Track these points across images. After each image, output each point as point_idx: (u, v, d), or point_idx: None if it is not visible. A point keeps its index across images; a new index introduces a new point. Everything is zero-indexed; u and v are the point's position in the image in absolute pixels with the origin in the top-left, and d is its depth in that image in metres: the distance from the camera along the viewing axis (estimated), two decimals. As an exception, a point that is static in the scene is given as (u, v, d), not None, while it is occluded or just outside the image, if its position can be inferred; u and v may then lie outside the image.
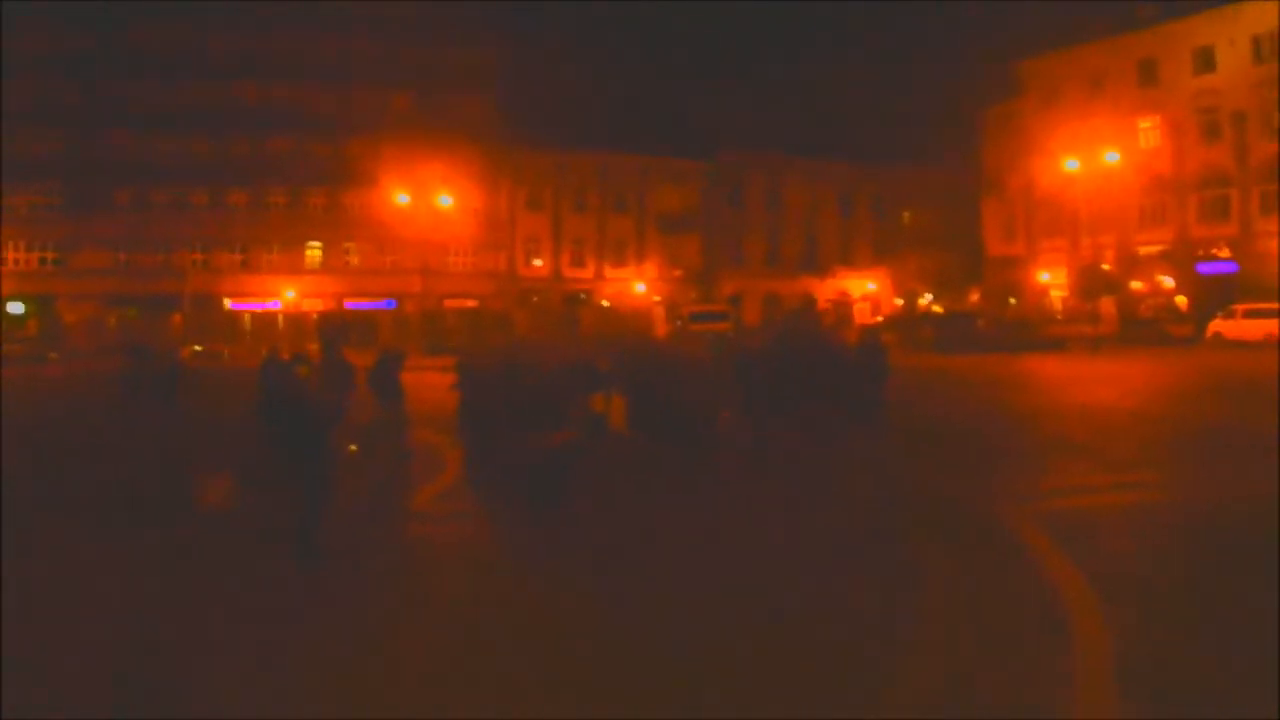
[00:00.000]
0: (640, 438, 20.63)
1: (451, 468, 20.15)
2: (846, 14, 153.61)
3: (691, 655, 9.45)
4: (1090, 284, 70.91)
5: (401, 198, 78.95)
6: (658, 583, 11.84)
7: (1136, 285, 76.17)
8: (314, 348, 31.35)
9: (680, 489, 17.30)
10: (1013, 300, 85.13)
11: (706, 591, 11.51)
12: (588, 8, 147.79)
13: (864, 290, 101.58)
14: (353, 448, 19.17)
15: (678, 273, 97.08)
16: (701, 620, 10.48)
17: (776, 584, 11.68)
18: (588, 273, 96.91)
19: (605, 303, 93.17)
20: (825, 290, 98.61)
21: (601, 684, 8.93)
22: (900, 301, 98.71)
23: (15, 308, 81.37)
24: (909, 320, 80.00)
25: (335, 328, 66.55)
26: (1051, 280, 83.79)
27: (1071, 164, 72.44)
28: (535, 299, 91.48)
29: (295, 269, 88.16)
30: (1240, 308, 60.25)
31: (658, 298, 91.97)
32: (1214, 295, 66.69)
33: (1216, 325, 60.47)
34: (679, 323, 74.56)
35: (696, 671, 9.07)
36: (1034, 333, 64.21)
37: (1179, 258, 75.10)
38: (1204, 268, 73.33)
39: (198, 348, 69.29)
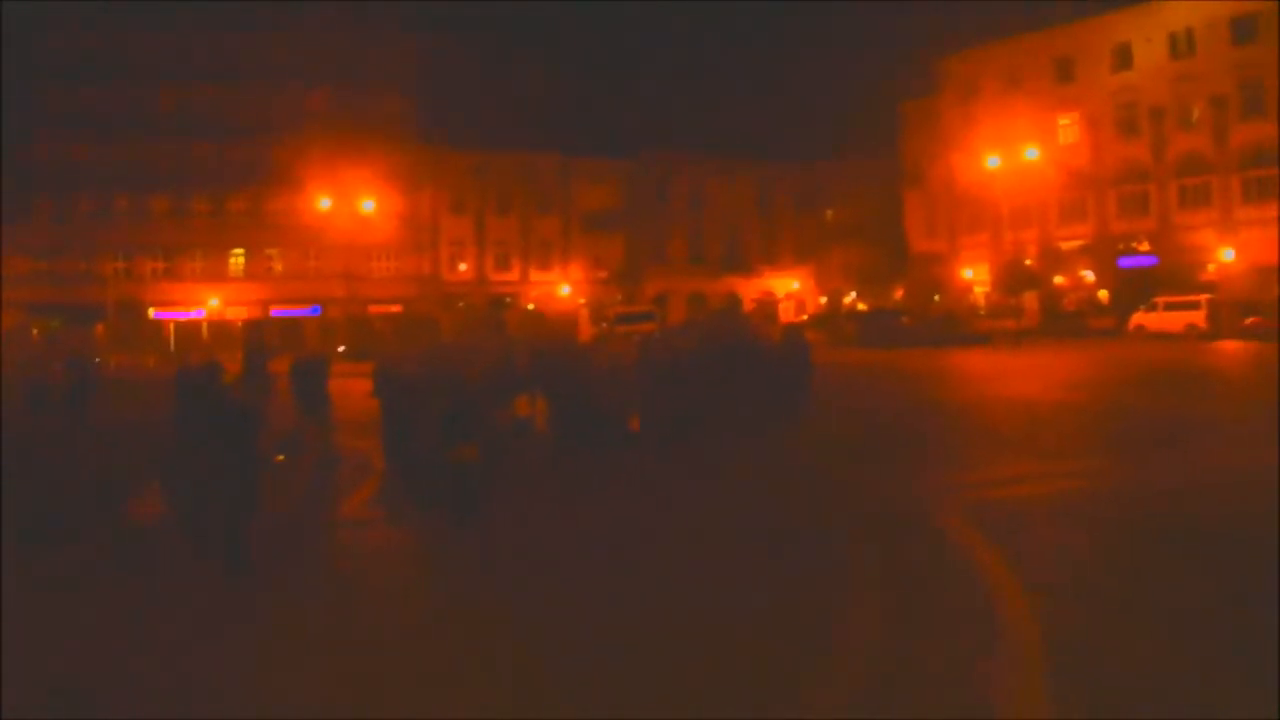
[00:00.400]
0: (562, 440, 20.45)
1: (378, 474, 19.95)
2: (767, 11, 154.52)
3: (611, 655, 9.35)
4: (1013, 279, 71.72)
5: (324, 202, 78.49)
6: (576, 584, 11.71)
7: (1059, 280, 76.99)
8: (239, 356, 31.12)
9: (600, 491, 17.07)
10: (937, 296, 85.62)
11: (625, 591, 11.39)
12: (507, 7, 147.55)
13: (789, 289, 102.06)
14: (280, 457, 18.97)
15: (603, 274, 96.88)
16: (620, 620, 10.36)
17: (697, 583, 11.51)
18: (513, 275, 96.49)
19: (530, 306, 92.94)
20: (750, 289, 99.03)
21: (523, 684, 8.82)
22: (825, 299, 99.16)
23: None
24: (834, 317, 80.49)
25: (257, 335, 66.03)
26: (974, 276, 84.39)
27: (992, 160, 73.18)
28: (460, 303, 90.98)
29: (219, 276, 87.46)
30: (1161, 300, 61.09)
31: (583, 300, 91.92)
32: (1135, 289, 67.44)
33: (1139, 318, 61.30)
34: (605, 325, 74.42)
35: (616, 671, 8.95)
36: (958, 328, 64.70)
37: (1100, 252, 75.93)
38: (1124, 261, 74.14)
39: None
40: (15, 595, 12.13)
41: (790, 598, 10.86)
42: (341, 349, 60.00)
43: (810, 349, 26.63)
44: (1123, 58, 75.13)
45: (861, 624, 9.98)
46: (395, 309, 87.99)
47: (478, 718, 8.23)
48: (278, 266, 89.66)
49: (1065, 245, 78.06)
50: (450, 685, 8.87)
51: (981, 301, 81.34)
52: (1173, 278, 66.72)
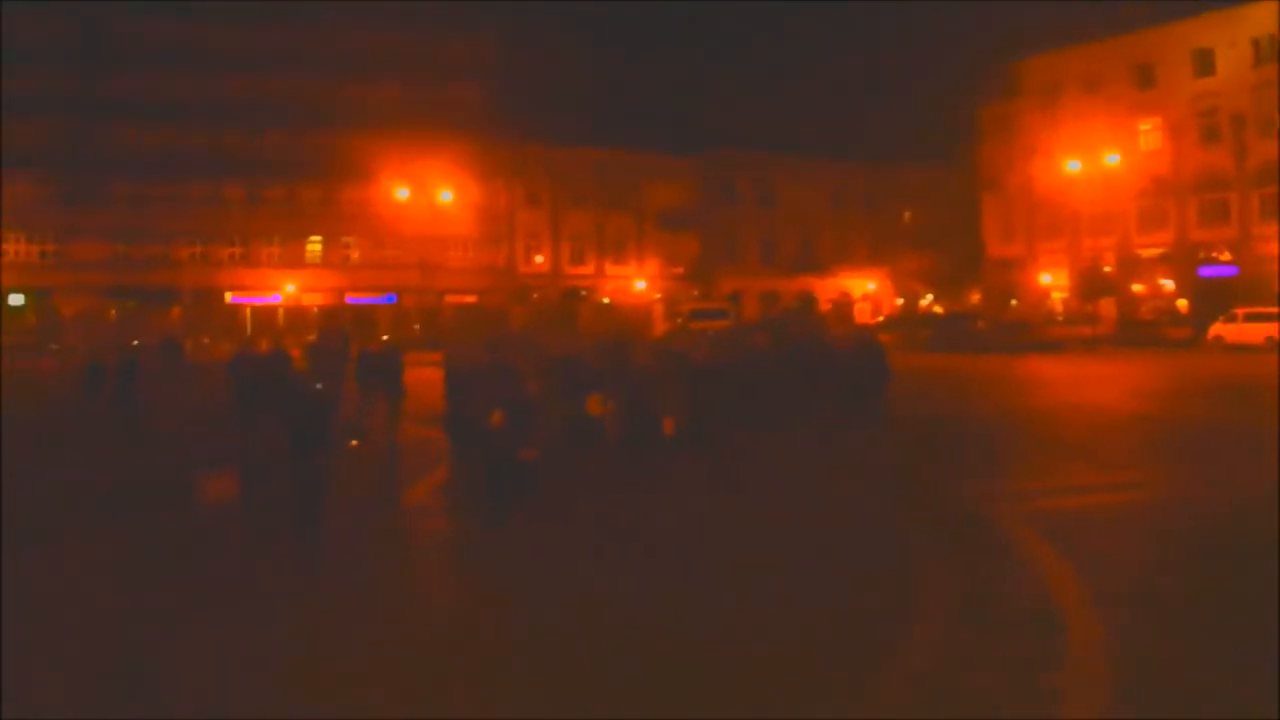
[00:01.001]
0: (630, 439, 20.21)
1: (448, 462, 20.12)
2: (845, 12, 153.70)
3: (678, 654, 9.39)
4: (1090, 286, 71.10)
5: (401, 192, 79.00)
6: (643, 581, 11.73)
7: (1136, 288, 76.21)
8: (312, 342, 31.48)
9: (668, 491, 17.00)
10: (1013, 301, 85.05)
11: (692, 590, 11.41)
12: (585, 4, 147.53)
13: (864, 290, 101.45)
14: (354, 442, 19.20)
15: (678, 270, 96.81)
16: (687, 618, 10.40)
17: (764, 583, 11.58)
18: (588, 269, 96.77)
19: (605, 300, 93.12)
20: (825, 289, 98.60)
21: (584, 680, 8.89)
22: (901, 301, 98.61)
23: (15, 300, 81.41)
24: (909, 320, 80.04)
25: (334, 323, 66.54)
26: (1052, 282, 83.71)
27: (1071, 165, 72.49)
28: (535, 295, 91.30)
29: (295, 263, 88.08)
30: (1241, 311, 60.07)
31: (658, 295, 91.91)
32: (1214, 298, 66.62)
33: (1217, 329, 60.26)
34: (679, 320, 74.41)
35: (683, 669, 9.01)
36: (1033, 334, 64.11)
37: (1179, 260, 75.09)
38: (1204, 271, 73.28)
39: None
40: (79, 575, 12.46)
41: (854, 598, 10.95)
42: (416, 328, 60.33)
43: (886, 352, 26.57)
44: (1204, 63, 74.11)
45: (925, 628, 10.08)
46: (470, 299, 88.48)
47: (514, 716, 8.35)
48: (354, 254, 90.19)
49: (1144, 253, 77.29)
50: (498, 685, 8.98)
51: (1058, 308, 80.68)
52: (1253, 288, 65.70)
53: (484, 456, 15.44)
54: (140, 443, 23.71)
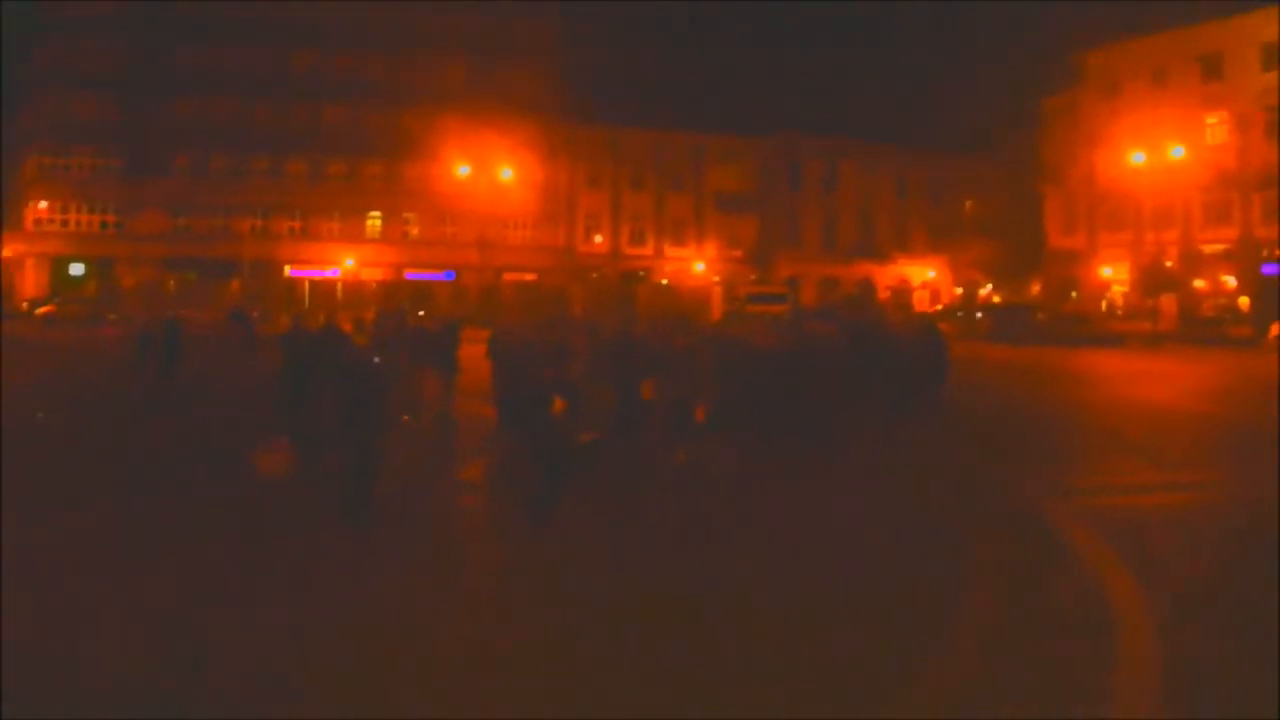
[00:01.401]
0: (680, 424, 19.83)
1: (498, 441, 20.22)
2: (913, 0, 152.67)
3: (725, 645, 9.46)
4: (1152, 281, 70.39)
5: (462, 169, 79.31)
6: (693, 570, 11.75)
7: (1198, 284, 75.46)
8: (369, 316, 31.72)
9: (719, 479, 16.99)
10: (1074, 294, 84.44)
11: (743, 578, 11.48)
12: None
13: (924, 278, 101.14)
14: (406, 418, 19.32)
15: (737, 253, 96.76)
16: (735, 608, 10.49)
17: (818, 574, 11.68)
18: (647, 250, 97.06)
19: (664, 281, 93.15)
20: (884, 276, 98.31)
21: (630, 669, 8.93)
22: (960, 290, 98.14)
23: (76, 269, 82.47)
24: (967, 309, 79.69)
25: (393, 298, 66.91)
26: (1112, 275, 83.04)
27: (1135, 157, 71.74)
28: (593, 275, 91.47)
29: (355, 238, 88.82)
30: (1303, 310, 59.46)
31: (716, 278, 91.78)
32: (1276, 297, 65.88)
33: (1278, 328, 59.60)
34: (735, 303, 74.29)
35: (730, 664, 9.06)
36: (1093, 327, 63.81)
37: (1243, 257, 74.20)
38: (1268, 269, 72.39)
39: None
40: (133, 544, 12.67)
41: (907, 593, 10.98)
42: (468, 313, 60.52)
43: (946, 341, 26.50)
44: (1272, 56, 72.72)
45: (978, 625, 10.15)
46: (529, 277, 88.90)
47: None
48: (414, 231, 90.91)
49: (1207, 249, 76.39)
50: (542, 667, 9.04)
51: (1118, 302, 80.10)
52: (1317, 288, 65.13)
53: (533, 442, 14.84)
54: (185, 412, 24.03)
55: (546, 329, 20.73)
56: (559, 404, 14.48)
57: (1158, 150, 71.44)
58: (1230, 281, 75.31)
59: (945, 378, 25.66)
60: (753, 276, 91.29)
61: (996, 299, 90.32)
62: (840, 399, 21.03)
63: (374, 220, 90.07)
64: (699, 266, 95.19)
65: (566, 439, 14.33)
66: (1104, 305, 79.08)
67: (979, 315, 72.89)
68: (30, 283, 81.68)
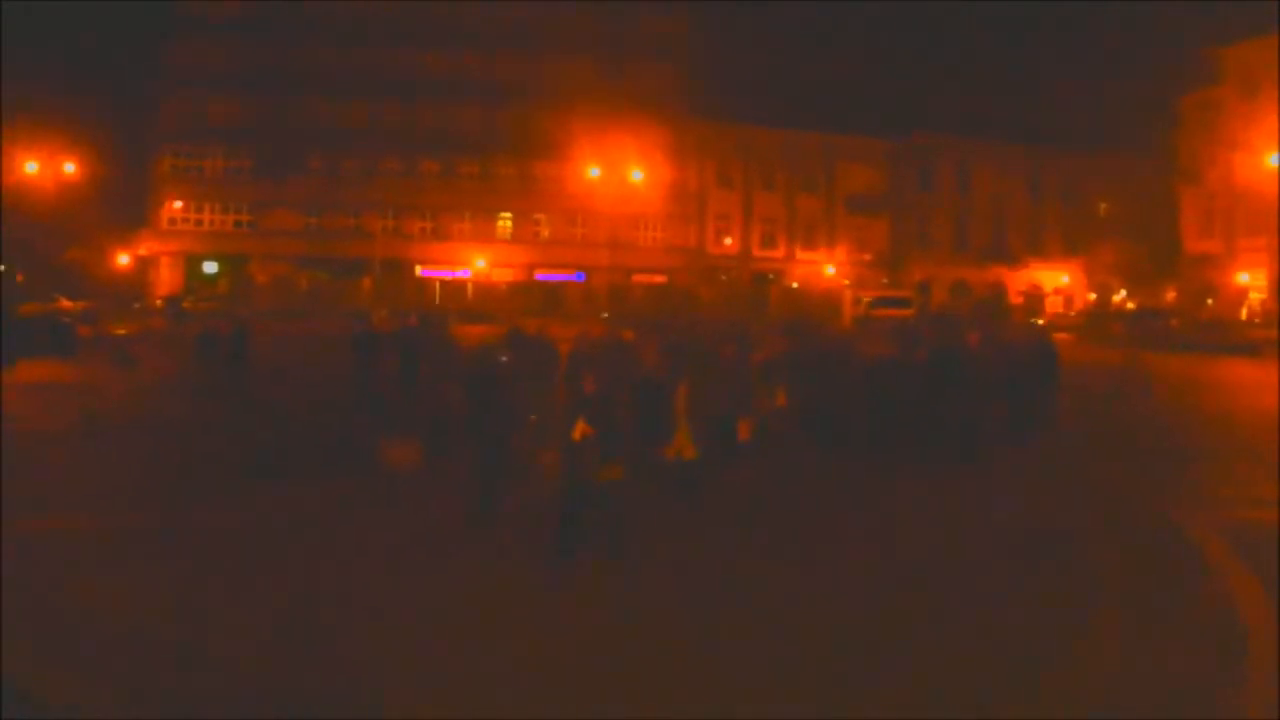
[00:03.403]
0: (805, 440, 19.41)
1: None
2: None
3: (848, 652, 9.61)
4: (1292, 288, 68.75)
5: (593, 170, 79.72)
6: (810, 579, 11.85)
7: (1341, 293, 73.58)
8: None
9: (843, 488, 16.90)
10: (1209, 300, 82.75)
11: (866, 585, 11.61)
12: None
13: (1057, 282, 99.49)
14: (533, 418, 19.44)
15: (866, 256, 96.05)
16: (861, 615, 10.61)
17: (944, 583, 11.77)
18: (778, 253, 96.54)
19: (794, 285, 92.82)
20: (1016, 281, 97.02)
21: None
22: (1093, 296, 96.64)
23: (209, 267, 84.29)
24: (1101, 315, 78.56)
25: (530, 299, 67.48)
26: (1250, 281, 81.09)
27: (1276, 159, 70.02)
28: (723, 277, 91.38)
29: (486, 238, 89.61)
30: None
31: (847, 282, 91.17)
32: None
33: None
34: (862, 308, 74.10)
35: (852, 669, 9.22)
36: (1230, 335, 62.39)
37: (1388, 264, 72.22)
38: None
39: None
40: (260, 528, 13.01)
41: (1036, 605, 11.05)
42: (605, 315, 60.76)
43: (1057, 353, 26.07)
44: None
45: (1107, 636, 10.19)
46: (659, 279, 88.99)
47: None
48: (544, 231, 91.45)
49: (1353, 255, 74.50)
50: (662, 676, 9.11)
51: (1256, 309, 78.32)
52: None
53: (563, 473, 12.90)
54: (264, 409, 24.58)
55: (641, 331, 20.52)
56: (579, 429, 12.34)
57: (1301, 152, 69.60)
58: (1375, 289, 73.32)
59: (1053, 390, 25.19)
60: (884, 280, 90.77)
61: (1131, 305, 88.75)
62: (972, 411, 20.50)
63: (504, 221, 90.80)
64: (830, 270, 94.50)
65: (580, 475, 12.43)
66: (1244, 313, 77.11)
67: (1113, 321, 71.76)
68: (165, 280, 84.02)
